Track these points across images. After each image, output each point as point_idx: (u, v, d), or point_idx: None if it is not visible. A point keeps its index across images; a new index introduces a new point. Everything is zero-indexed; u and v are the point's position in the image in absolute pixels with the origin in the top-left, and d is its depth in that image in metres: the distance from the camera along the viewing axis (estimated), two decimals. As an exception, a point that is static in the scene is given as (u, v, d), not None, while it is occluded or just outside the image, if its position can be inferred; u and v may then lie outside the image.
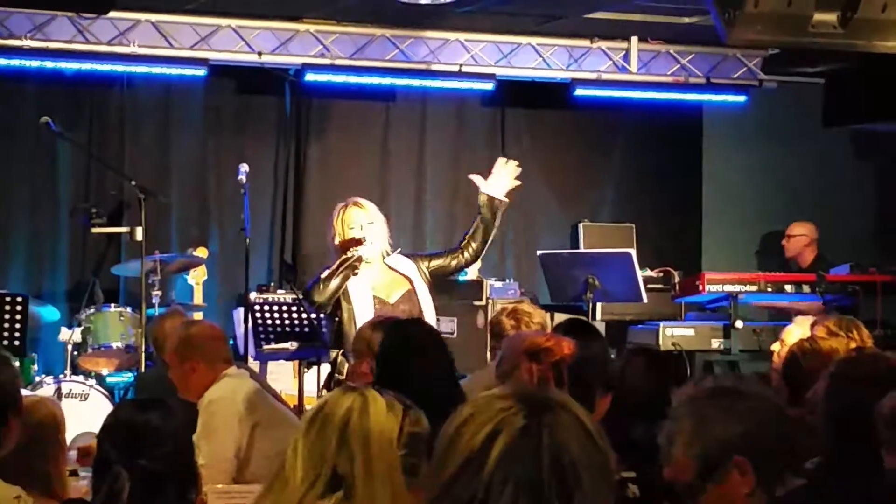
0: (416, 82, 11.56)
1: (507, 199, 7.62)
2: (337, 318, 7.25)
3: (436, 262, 7.46)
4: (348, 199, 7.51)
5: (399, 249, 7.52)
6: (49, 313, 9.85)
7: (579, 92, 11.69)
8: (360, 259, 7.19)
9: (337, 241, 7.30)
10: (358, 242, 7.20)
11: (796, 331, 6.76)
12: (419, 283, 7.33)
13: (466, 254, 7.52)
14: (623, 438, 4.12)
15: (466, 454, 2.14)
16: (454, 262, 7.50)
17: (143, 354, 9.01)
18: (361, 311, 7.10)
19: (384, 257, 7.37)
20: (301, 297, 7.58)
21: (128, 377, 9.57)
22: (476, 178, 7.64)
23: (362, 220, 7.31)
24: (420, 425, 4.09)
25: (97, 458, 4.05)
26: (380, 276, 7.33)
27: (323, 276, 7.16)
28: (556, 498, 2.09)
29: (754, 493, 3.00)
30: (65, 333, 9.63)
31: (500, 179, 7.61)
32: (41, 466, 4.50)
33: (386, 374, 4.95)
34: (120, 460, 3.85)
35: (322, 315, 8.24)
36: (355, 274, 7.18)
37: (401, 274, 7.35)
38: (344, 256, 7.17)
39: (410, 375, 4.87)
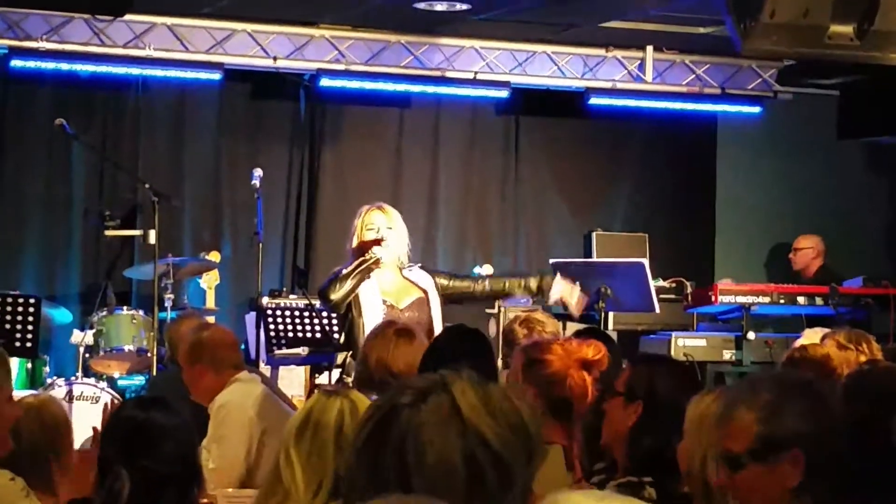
0: (430, 89, 11.56)
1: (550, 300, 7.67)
2: (348, 321, 7.26)
3: (456, 284, 7.55)
4: (374, 203, 7.53)
5: (419, 265, 7.54)
6: (61, 315, 9.86)
7: (594, 101, 11.69)
8: (377, 262, 7.21)
9: (355, 241, 7.32)
10: (375, 243, 7.21)
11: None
12: (434, 296, 7.36)
13: (485, 287, 7.69)
14: (653, 446, 4.11)
15: (355, 443, 2.20)
16: (472, 288, 7.63)
17: (155, 357, 9.02)
18: (370, 315, 7.11)
19: (400, 268, 7.37)
20: (318, 296, 7.57)
21: (139, 380, 9.57)
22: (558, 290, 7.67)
23: (382, 224, 7.32)
24: None
25: (100, 457, 4.05)
26: (391, 281, 7.34)
27: (341, 275, 7.17)
28: (394, 480, 2.10)
29: (799, 494, 2.96)
30: (77, 336, 9.63)
31: (571, 300, 7.64)
32: (49, 465, 4.51)
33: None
34: (121, 459, 3.84)
35: (335, 320, 8.25)
36: (368, 277, 7.20)
37: (416, 285, 7.36)
38: (362, 258, 7.19)
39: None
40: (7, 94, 10.83)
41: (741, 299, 9.93)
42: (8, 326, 8.36)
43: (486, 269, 10.79)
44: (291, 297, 10.48)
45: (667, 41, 11.65)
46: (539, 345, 4.81)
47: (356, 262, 7.20)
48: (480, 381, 2.20)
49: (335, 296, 7.16)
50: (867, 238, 12.52)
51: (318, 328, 8.60)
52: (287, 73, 11.24)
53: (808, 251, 11.67)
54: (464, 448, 2.12)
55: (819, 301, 10.07)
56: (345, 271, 7.19)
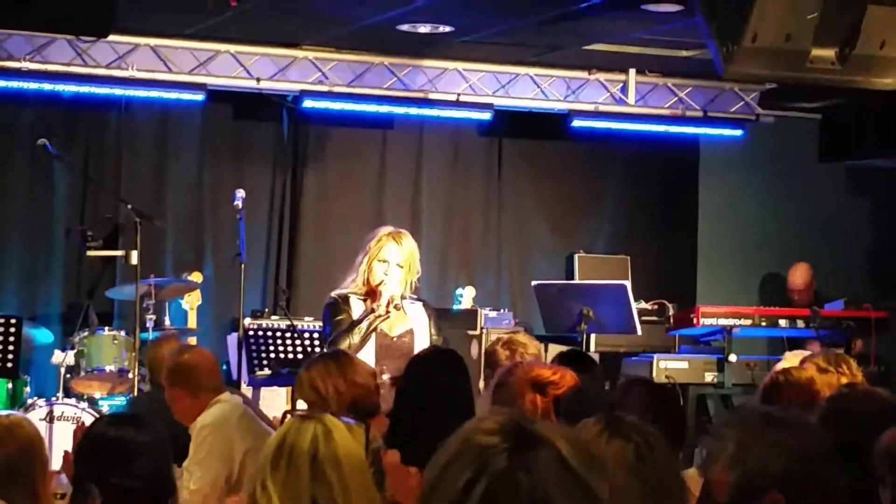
0: (413, 111, 11.57)
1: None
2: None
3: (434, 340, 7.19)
4: (399, 229, 7.27)
5: (422, 302, 7.31)
6: (42, 336, 9.84)
7: (576, 123, 11.71)
8: (387, 317, 7.07)
9: (364, 263, 7.15)
10: (389, 303, 7.03)
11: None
12: (421, 332, 7.15)
13: None
14: None
15: (449, 497, 2.16)
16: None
17: (136, 378, 9.00)
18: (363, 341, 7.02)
19: (402, 298, 7.18)
20: (328, 346, 7.31)
21: (120, 401, 9.54)
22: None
23: (394, 259, 7.07)
24: (377, 440, 4.12)
25: (74, 475, 4.05)
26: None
27: (354, 334, 6.95)
28: None
29: None
30: (58, 356, 9.61)
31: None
32: (28, 483, 4.49)
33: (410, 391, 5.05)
34: (93, 476, 3.84)
35: (316, 341, 8.23)
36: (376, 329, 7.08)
37: (410, 318, 7.19)
38: (376, 314, 7.04)
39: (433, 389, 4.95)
40: (-11, 113, 10.82)
41: (723, 322, 9.93)
42: (-11, 347, 8.34)
43: (469, 292, 10.84)
44: (273, 318, 10.47)
45: (649, 64, 11.68)
46: (508, 369, 4.84)
47: (370, 319, 7.03)
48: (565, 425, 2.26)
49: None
50: (848, 261, 12.54)
51: (299, 349, 8.59)
52: (270, 94, 11.23)
53: (812, 284, 11.54)
54: (580, 499, 2.15)
55: (801, 324, 10.09)
56: (357, 332, 6.99)
